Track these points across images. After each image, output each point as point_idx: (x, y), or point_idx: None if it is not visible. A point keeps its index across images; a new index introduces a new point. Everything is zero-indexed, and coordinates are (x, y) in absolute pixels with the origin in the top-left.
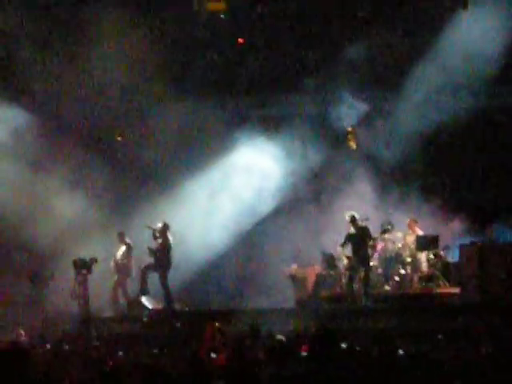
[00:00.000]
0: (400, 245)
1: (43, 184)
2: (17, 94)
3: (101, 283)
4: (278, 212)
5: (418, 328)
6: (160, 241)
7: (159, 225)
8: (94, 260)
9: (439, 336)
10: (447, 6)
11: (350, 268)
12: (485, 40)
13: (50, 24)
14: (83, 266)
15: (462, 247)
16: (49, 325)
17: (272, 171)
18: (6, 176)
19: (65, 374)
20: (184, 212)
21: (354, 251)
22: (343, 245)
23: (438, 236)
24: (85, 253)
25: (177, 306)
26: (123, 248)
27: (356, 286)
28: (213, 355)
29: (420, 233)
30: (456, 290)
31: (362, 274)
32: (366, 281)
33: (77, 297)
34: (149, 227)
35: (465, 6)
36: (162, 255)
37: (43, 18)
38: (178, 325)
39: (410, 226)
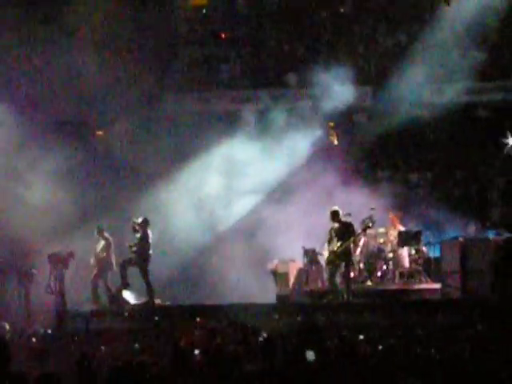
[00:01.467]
0: (382, 240)
1: (21, 176)
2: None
3: (81, 277)
4: (260, 207)
5: (399, 323)
6: (139, 235)
7: (140, 219)
8: (70, 255)
9: (419, 331)
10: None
11: (330, 262)
12: (467, 35)
13: (33, 17)
14: (59, 261)
15: (443, 243)
16: (31, 319)
17: (254, 165)
18: None
19: (43, 369)
20: (165, 208)
21: (336, 246)
22: (330, 240)
23: (420, 231)
24: (64, 247)
25: (158, 301)
26: (102, 242)
27: (338, 280)
28: (196, 352)
29: (402, 228)
30: (437, 286)
31: (343, 269)
32: (347, 276)
33: (52, 292)
34: (132, 221)
35: (448, 1)
36: (141, 249)
37: (26, 11)
38: (157, 319)
39: (392, 221)
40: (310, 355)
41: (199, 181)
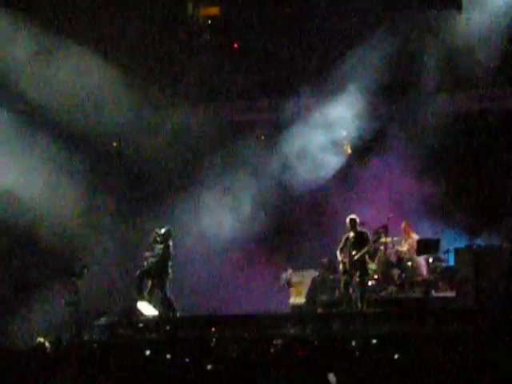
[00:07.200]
0: (400, 249)
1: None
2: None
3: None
4: (273, 216)
5: (415, 332)
6: (161, 246)
7: (162, 230)
8: (84, 267)
9: (435, 340)
10: (441, 7)
11: (345, 272)
12: (479, 42)
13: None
14: (72, 273)
15: (457, 251)
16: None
17: (266, 176)
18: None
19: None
20: (178, 216)
21: (351, 255)
22: (341, 249)
23: (439, 240)
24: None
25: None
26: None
27: (351, 290)
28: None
29: (415, 236)
30: (452, 294)
31: (358, 278)
32: (362, 285)
33: (68, 304)
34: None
35: (459, 6)
36: (161, 262)
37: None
38: (167, 329)
39: (404, 230)
40: (332, 378)
41: (214, 190)
